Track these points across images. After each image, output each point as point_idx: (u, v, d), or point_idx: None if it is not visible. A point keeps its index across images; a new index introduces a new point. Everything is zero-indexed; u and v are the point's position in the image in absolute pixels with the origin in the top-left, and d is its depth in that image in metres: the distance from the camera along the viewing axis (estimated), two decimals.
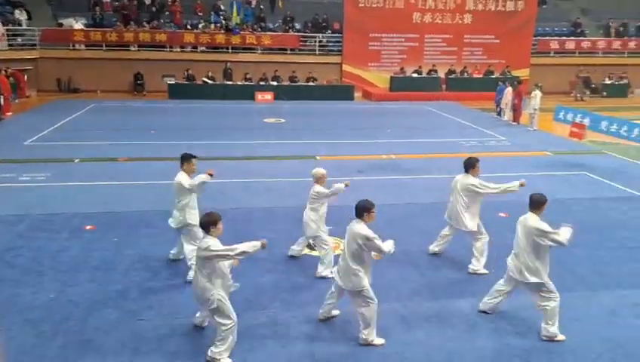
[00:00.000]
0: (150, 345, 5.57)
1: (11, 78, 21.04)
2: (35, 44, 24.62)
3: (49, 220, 8.99)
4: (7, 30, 23.98)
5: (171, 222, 7.08)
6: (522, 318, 6.23)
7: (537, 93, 18.23)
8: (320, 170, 7.50)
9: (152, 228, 8.71)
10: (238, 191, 10.81)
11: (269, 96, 24.03)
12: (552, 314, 5.77)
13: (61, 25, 25.45)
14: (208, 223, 5.31)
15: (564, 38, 29.11)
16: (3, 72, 19.80)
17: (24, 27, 25.05)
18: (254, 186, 11.13)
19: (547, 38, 28.84)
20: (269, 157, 13.85)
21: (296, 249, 7.90)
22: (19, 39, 24.68)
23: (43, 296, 6.53)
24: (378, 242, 5.51)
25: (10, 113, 19.09)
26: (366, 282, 5.58)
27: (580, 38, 29.11)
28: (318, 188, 7.37)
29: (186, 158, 7.21)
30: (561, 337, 5.77)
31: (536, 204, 5.99)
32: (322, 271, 7.20)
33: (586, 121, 18.33)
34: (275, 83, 24.82)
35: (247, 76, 24.81)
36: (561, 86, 27.43)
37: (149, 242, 8.20)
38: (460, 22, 27.51)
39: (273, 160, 13.68)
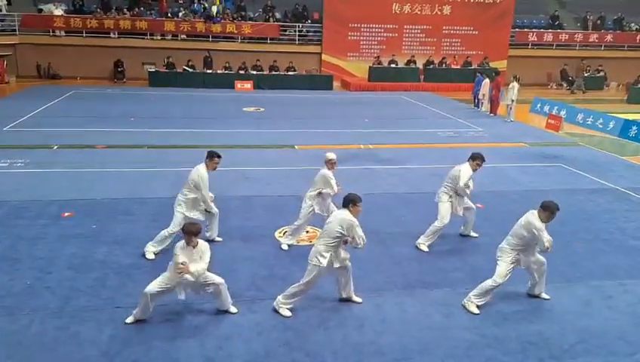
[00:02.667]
0: (128, 333, 5.69)
1: None
2: (14, 30, 24.29)
3: (27, 207, 9.06)
4: None
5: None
6: (497, 309, 6.38)
7: (515, 85, 18.52)
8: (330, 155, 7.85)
9: (130, 215, 8.87)
10: (215, 180, 10.84)
11: (248, 85, 24.12)
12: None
13: (41, 10, 25.15)
14: (198, 232, 5.74)
15: (542, 30, 29.54)
16: None
17: (3, 12, 24.70)
18: (232, 175, 11.25)
19: (525, 30, 29.23)
20: (247, 146, 13.99)
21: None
22: None
23: (19, 282, 6.61)
24: (359, 229, 5.93)
25: None
26: (325, 263, 5.98)
27: (558, 30, 29.57)
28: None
29: (210, 155, 7.55)
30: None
31: (546, 209, 6.42)
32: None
33: (563, 113, 18.75)
34: (254, 72, 24.87)
35: (227, 65, 24.82)
36: (538, 78, 27.92)
37: (127, 229, 8.33)
38: (439, 13, 27.79)
39: (252, 148, 13.83)
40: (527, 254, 6.41)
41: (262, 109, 19.49)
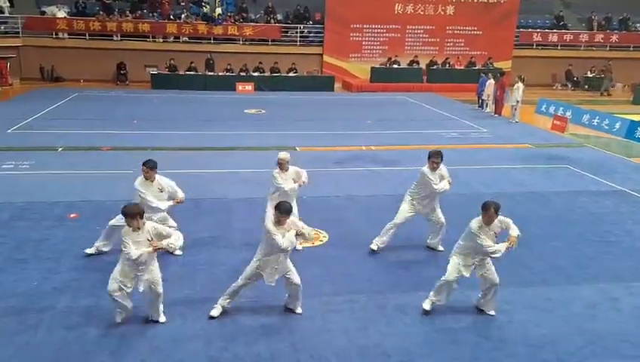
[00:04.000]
0: (134, 333, 5.71)
1: None
2: (17, 32, 24.39)
3: (32, 208, 9.09)
4: None
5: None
6: (503, 312, 6.34)
7: (520, 86, 18.48)
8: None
9: None
10: (217, 182, 10.97)
11: (249, 86, 24.13)
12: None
13: (44, 13, 25.23)
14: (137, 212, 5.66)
15: (547, 30, 29.48)
16: None
17: (7, 15, 24.79)
18: (233, 177, 11.28)
19: (530, 30, 29.17)
20: (248, 148, 13.99)
21: None
22: (1, 27, 24.45)
23: (26, 283, 6.64)
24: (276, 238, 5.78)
25: None
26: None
27: (563, 30, 29.50)
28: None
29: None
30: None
31: (484, 209, 6.01)
32: None
33: (568, 114, 18.67)
34: (255, 74, 24.88)
35: (229, 67, 24.85)
36: (543, 78, 27.84)
37: None
38: (443, 13, 27.76)
39: (253, 150, 13.83)
40: (480, 262, 6.16)
41: (263, 111, 19.50)
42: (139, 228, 5.59)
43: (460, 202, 10.10)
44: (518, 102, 18.50)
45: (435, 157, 7.55)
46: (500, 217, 6.03)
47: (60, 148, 13.21)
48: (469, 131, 16.94)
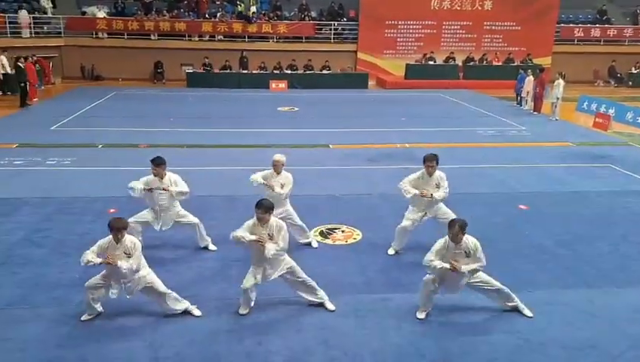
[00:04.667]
0: (171, 325, 5.82)
1: (37, 66, 21.60)
2: (60, 33, 25.17)
3: (74, 203, 9.38)
4: (34, 18, 24.55)
5: None
6: (542, 314, 6.18)
7: (560, 82, 18.02)
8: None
9: None
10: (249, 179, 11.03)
11: (283, 84, 24.23)
12: None
13: (84, 13, 25.95)
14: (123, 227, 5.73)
15: (589, 25, 28.62)
16: (29, 60, 20.32)
17: (49, 15, 25.61)
18: None
19: (571, 25, 28.40)
20: (281, 146, 14.02)
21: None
22: (44, 27, 25.27)
23: (68, 275, 6.84)
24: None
25: (36, 99, 19.69)
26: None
27: (606, 25, 28.59)
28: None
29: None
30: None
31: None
32: None
33: (611, 112, 18.01)
34: (289, 71, 24.97)
35: (262, 65, 25.02)
36: (584, 75, 27.05)
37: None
38: (480, 8, 27.30)
39: (286, 148, 13.85)
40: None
41: (296, 109, 19.57)
42: (118, 242, 5.67)
43: (496, 201, 9.96)
44: (558, 99, 18.04)
45: (427, 161, 7.37)
46: (470, 238, 5.84)
47: (100, 145, 13.56)
48: (507, 129, 16.62)
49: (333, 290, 6.54)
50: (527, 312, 6.14)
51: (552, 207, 9.69)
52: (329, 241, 8.16)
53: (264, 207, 5.82)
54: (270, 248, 5.75)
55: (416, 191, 7.34)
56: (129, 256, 5.67)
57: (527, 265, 7.37)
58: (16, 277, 6.80)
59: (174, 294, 5.97)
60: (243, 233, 5.86)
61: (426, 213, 7.55)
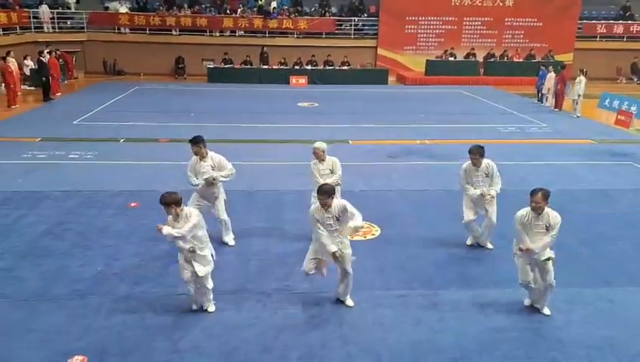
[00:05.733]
0: (190, 319, 5.89)
1: (60, 60, 21.95)
2: (83, 27, 25.53)
3: (96, 197, 9.53)
4: (57, 13, 24.95)
5: None
6: (561, 312, 6.14)
7: (582, 79, 17.76)
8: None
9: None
10: (270, 174, 11.12)
11: (303, 80, 24.24)
12: None
13: (107, 8, 26.27)
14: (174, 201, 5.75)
15: (612, 21, 28.09)
16: (53, 54, 20.66)
17: (72, 10, 25.99)
18: (287, 169, 11.39)
19: (593, 21, 27.90)
20: (301, 141, 14.07)
21: None
22: (68, 22, 25.66)
23: (90, 268, 6.96)
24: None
25: (59, 93, 20.01)
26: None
27: (629, 22, 28.03)
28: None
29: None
30: None
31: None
32: None
33: (634, 109, 17.65)
34: (309, 67, 24.97)
35: (283, 60, 25.06)
36: (607, 72, 26.58)
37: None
38: (501, 4, 26.98)
39: (306, 143, 13.88)
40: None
41: (316, 104, 19.58)
42: (177, 216, 5.72)
43: (517, 199, 9.84)
44: (579, 96, 17.77)
45: (472, 154, 7.45)
46: (552, 212, 5.91)
47: (122, 140, 13.74)
48: (527, 126, 16.43)
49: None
50: (546, 310, 6.09)
51: (573, 205, 9.55)
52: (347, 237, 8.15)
53: (325, 193, 5.80)
54: (347, 258, 5.94)
55: (478, 192, 7.44)
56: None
57: None
58: (38, 270, 6.94)
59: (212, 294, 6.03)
60: (328, 242, 5.83)
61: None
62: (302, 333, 5.69)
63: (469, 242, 7.86)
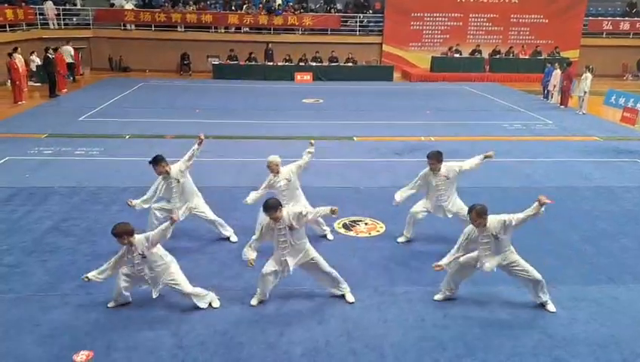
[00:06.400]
0: (195, 315, 5.92)
1: None
2: (89, 24, 25.61)
3: (102, 193, 9.57)
4: (63, 10, 25.02)
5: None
6: (566, 310, 6.14)
7: (588, 76, 17.67)
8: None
9: None
10: None
11: (307, 76, 24.23)
12: None
13: (113, 5, 26.32)
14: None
15: (618, 18, 27.94)
16: (59, 51, 20.73)
17: (78, 7, 26.06)
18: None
19: (600, 18, 27.75)
20: (306, 137, 14.03)
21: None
22: (74, 19, 25.73)
23: (96, 263, 6.95)
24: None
25: (65, 90, 20.07)
26: None
27: (635, 18, 27.85)
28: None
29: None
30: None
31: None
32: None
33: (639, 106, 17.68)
34: (314, 64, 24.97)
35: (287, 57, 25.05)
36: (613, 69, 26.45)
37: (192, 217, 8.63)
38: (507, 1, 26.85)
39: (310, 140, 13.89)
40: None
41: (321, 101, 19.57)
42: (131, 245, 5.74)
43: (522, 195, 9.84)
44: (585, 93, 17.70)
45: (429, 160, 7.47)
46: (496, 219, 5.90)
47: (127, 136, 13.79)
48: (533, 123, 16.37)
49: (355, 283, 6.58)
50: (551, 307, 6.10)
51: (578, 202, 9.56)
52: (352, 233, 8.19)
53: (271, 208, 5.80)
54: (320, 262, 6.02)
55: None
56: (144, 256, 5.77)
57: (551, 261, 7.28)
58: (45, 265, 7.00)
59: (198, 290, 6.04)
60: (250, 253, 5.97)
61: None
62: (306, 330, 5.71)
63: (400, 240, 7.86)
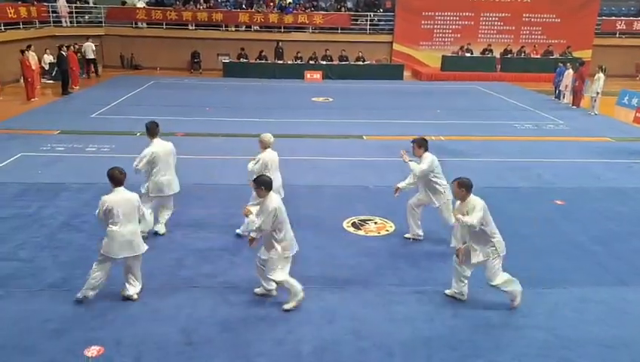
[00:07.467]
0: (204, 312, 5.95)
1: (79, 54, 22.18)
2: (101, 22, 25.78)
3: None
4: (76, 8, 25.21)
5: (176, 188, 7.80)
6: (574, 311, 6.14)
7: (601, 76, 17.53)
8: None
9: (204, 200, 9.25)
10: (284, 169, 11.06)
11: (317, 75, 24.20)
12: None
13: (124, 3, 26.49)
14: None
15: (632, 18, 27.66)
16: (71, 48, 20.89)
17: (91, 5, 26.25)
18: (301, 164, 11.42)
19: (613, 17, 27.49)
20: (315, 136, 14.12)
21: None
22: (86, 17, 25.93)
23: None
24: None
25: (77, 87, 20.24)
26: None
27: None
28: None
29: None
30: None
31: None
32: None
33: None
34: (324, 62, 24.95)
35: (298, 55, 25.06)
36: (626, 69, 26.18)
37: (202, 213, 8.69)
38: (519, 0, 26.65)
39: (320, 138, 13.94)
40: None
41: (330, 99, 19.57)
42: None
43: (532, 196, 9.80)
44: (598, 93, 17.54)
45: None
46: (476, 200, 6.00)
47: (138, 133, 13.83)
48: (544, 123, 16.26)
49: (364, 281, 6.60)
50: (516, 303, 6.10)
51: (589, 203, 9.48)
52: (361, 232, 8.19)
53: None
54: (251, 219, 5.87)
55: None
56: None
57: (561, 262, 7.25)
58: (57, 260, 7.07)
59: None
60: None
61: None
62: (314, 328, 5.71)
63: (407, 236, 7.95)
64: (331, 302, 6.23)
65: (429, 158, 7.55)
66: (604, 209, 9.25)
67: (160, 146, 7.76)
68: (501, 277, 5.97)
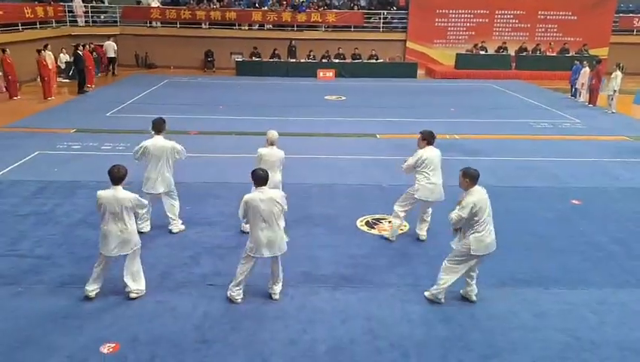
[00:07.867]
0: (219, 310, 5.96)
1: (94, 53, 22.35)
2: (116, 21, 25.97)
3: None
4: (92, 7, 25.43)
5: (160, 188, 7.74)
6: (594, 313, 6.05)
7: (618, 74, 17.27)
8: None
9: (219, 199, 9.26)
10: (297, 167, 11.09)
11: (330, 73, 24.14)
12: None
13: (139, 2, 26.65)
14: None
15: None
16: (87, 47, 21.07)
17: (106, 5, 26.46)
18: (314, 163, 11.41)
19: (630, 15, 27.09)
20: (328, 134, 14.09)
21: None
22: (102, 16, 26.14)
23: (121, 258, 7.10)
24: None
25: (93, 86, 20.40)
26: None
27: None
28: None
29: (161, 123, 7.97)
30: None
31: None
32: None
33: None
34: (337, 60, 24.89)
35: (311, 54, 25.04)
36: None
37: (215, 211, 8.71)
38: None
39: (333, 137, 13.91)
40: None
41: (343, 98, 19.52)
42: None
43: (549, 196, 9.69)
44: (615, 91, 17.29)
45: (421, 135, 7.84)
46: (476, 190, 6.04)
47: (153, 132, 13.91)
48: (560, 121, 16.07)
49: (378, 281, 6.57)
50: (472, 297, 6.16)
51: (607, 203, 9.36)
52: (375, 232, 8.15)
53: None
54: None
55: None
56: None
57: (580, 263, 7.16)
58: (73, 257, 7.13)
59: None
60: None
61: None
62: (330, 327, 5.69)
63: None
64: (345, 301, 6.20)
65: (418, 153, 7.62)
66: (622, 209, 9.11)
67: (154, 142, 7.82)
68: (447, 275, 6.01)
